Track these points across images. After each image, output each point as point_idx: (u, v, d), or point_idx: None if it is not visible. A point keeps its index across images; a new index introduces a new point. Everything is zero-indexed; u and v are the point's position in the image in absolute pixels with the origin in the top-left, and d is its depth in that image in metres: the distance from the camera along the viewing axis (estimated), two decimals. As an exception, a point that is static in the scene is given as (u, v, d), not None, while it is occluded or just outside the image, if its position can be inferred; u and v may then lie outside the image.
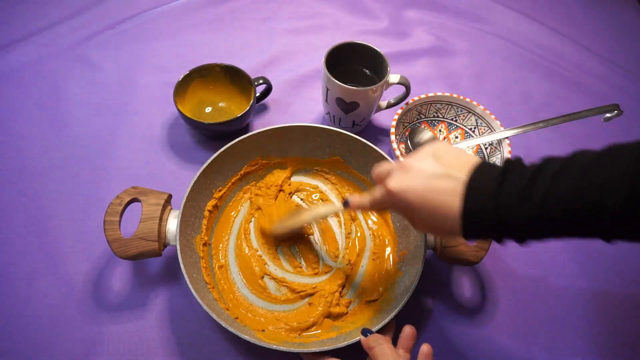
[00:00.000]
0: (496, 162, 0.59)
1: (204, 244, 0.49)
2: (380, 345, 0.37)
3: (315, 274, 0.51)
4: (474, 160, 0.31)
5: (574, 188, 0.26)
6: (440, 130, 0.64)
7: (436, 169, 0.31)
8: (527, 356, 0.48)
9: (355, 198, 0.39)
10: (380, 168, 0.37)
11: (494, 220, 0.28)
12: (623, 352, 0.49)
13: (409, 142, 0.60)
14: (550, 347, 0.49)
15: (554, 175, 0.27)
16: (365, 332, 0.39)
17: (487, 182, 0.29)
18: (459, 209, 0.29)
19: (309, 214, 0.48)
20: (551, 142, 0.67)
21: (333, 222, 0.55)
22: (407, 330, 0.39)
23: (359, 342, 0.39)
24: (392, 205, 0.35)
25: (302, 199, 0.57)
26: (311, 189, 0.57)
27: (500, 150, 0.59)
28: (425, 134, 0.61)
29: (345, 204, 0.40)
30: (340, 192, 0.57)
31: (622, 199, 0.24)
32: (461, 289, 0.52)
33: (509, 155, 0.56)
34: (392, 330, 0.42)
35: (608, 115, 0.55)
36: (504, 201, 0.28)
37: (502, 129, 0.59)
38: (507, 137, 0.58)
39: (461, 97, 0.61)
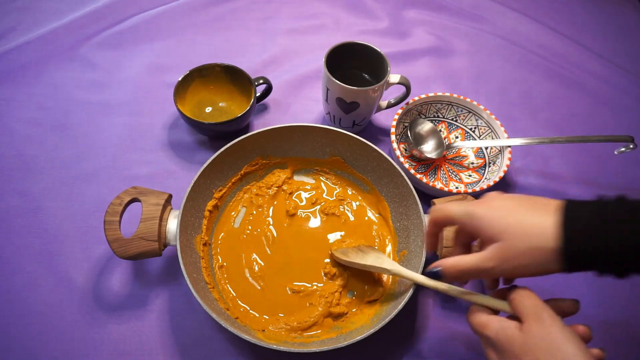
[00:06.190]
0: (499, 167, 0.59)
1: (204, 244, 0.49)
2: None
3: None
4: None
5: None
6: (440, 130, 0.64)
7: (517, 199, 0.31)
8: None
9: (450, 262, 0.33)
10: (442, 206, 0.34)
11: (596, 242, 0.27)
12: (623, 354, 0.49)
13: (409, 132, 0.60)
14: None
15: None
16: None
17: (586, 203, 0.28)
18: (554, 221, 0.28)
19: (374, 263, 0.45)
20: (552, 147, 0.66)
21: (333, 222, 0.55)
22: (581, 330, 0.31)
23: (359, 342, 0.39)
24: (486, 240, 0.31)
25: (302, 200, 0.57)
26: (311, 189, 0.57)
27: (501, 152, 0.59)
28: (426, 125, 0.61)
29: (434, 275, 0.34)
30: (340, 192, 0.57)
31: None
32: (461, 289, 0.52)
33: (509, 155, 0.56)
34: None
35: (622, 149, 0.51)
36: (617, 215, 0.27)
37: (502, 128, 0.59)
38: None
39: (461, 97, 0.61)
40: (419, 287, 0.43)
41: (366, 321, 0.46)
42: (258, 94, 0.61)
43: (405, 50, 0.77)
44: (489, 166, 0.60)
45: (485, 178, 0.59)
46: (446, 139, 0.63)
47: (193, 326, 0.47)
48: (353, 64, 0.60)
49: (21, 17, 0.73)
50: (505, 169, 0.55)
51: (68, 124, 0.61)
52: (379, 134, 0.65)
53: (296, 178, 0.59)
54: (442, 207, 0.35)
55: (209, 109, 0.62)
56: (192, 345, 0.46)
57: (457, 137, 0.64)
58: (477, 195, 0.54)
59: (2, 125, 0.60)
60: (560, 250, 0.28)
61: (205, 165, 0.49)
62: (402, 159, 0.55)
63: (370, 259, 0.46)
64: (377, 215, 0.56)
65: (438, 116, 0.64)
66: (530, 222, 0.29)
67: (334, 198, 0.57)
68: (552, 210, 0.29)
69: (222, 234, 0.53)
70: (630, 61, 0.81)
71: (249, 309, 0.48)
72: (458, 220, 0.34)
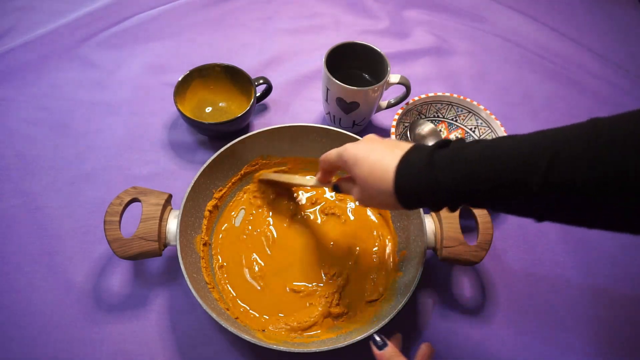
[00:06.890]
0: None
1: (204, 244, 0.49)
2: None
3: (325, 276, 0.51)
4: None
5: (504, 157, 0.27)
6: (440, 130, 0.64)
7: (380, 143, 0.35)
8: (527, 356, 0.48)
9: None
10: (325, 155, 0.40)
11: (426, 178, 0.30)
12: (622, 351, 0.49)
13: (409, 133, 0.60)
14: (550, 347, 0.49)
15: (486, 146, 0.29)
16: (377, 342, 0.36)
17: (424, 149, 0.31)
18: (394, 167, 0.31)
19: (292, 179, 0.51)
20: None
21: (333, 222, 0.55)
22: (424, 350, 0.36)
23: (359, 342, 0.39)
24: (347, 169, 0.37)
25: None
26: (311, 189, 0.57)
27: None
28: (426, 126, 0.61)
29: (335, 188, 0.42)
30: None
31: (541, 175, 0.25)
32: (461, 289, 0.52)
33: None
34: (399, 343, 0.39)
35: None
36: (436, 160, 0.30)
37: (502, 128, 0.59)
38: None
39: (461, 97, 0.61)
40: (419, 287, 0.43)
41: (366, 321, 0.46)
42: (258, 94, 0.61)
43: (405, 50, 0.77)
44: (489, 166, 0.60)
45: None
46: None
47: (193, 326, 0.47)
48: (353, 64, 0.60)
49: (21, 17, 0.73)
50: (505, 169, 0.55)
51: (68, 124, 0.61)
52: (379, 134, 0.64)
53: (296, 178, 0.59)
54: (325, 155, 0.40)
55: (209, 109, 0.62)
56: (192, 345, 0.46)
57: (457, 137, 0.63)
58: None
59: (2, 125, 0.60)
60: (396, 196, 0.32)
61: (205, 165, 0.49)
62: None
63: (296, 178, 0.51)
64: (377, 215, 0.56)
65: (438, 116, 0.64)
66: (380, 166, 0.32)
67: (334, 198, 0.57)
68: (399, 156, 0.32)
69: (222, 234, 0.53)
70: (630, 61, 0.81)
71: (249, 309, 0.48)
72: (337, 164, 0.39)
